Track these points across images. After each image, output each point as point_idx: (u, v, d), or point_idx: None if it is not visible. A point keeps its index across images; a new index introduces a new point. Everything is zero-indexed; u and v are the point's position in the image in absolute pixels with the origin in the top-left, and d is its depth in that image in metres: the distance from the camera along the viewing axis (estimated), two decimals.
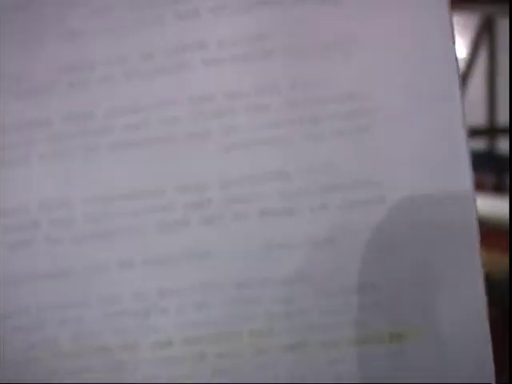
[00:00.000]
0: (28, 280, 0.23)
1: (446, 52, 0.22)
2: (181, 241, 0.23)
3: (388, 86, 0.22)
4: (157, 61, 0.23)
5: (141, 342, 0.23)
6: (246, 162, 0.23)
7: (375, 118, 0.22)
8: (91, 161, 0.23)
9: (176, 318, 0.23)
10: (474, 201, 0.22)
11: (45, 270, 0.23)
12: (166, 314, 0.23)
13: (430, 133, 0.22)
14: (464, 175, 0.22)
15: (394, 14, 0.22)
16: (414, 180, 0.22)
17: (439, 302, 0.22)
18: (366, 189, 0.22)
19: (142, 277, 0.23)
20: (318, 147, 0.22)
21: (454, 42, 0.22)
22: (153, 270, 0.23)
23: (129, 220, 0.23)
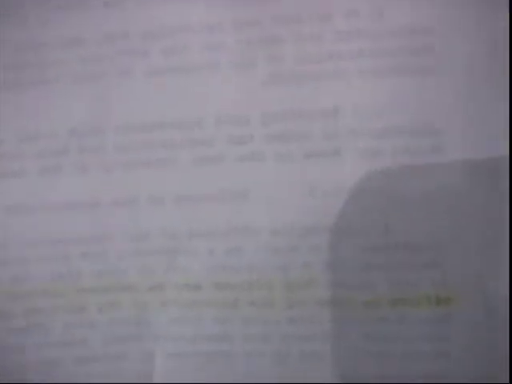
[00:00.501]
0: (54, 208, 0.22)
1: None
2: (217, 178, 0.21)
3: (456, 24, 0.20)
4: None
5: (168, 282, 0.22)
6: (291, 95, 0.21)
7: (440, 57, 0.20)
8: (126, 85, 0.22)
9: (206, 261, 0.21)
10: None
11: (71, 198, 0.22)
12: (196, 256, 0.21)
13: (498, 84, 0.20)
14: None
15: None
16: (473, 133, 0.20)
17: (490, 268, 0.20)
18: (423, 135, 0.20)
19: (173, 214, 0.21)
20: (375, 84, 0.20)
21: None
22: (184, 207, 0.21)
23: (163, 152, 0.21)
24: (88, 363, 0.22)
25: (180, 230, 0.22)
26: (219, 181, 0.21)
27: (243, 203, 0.21)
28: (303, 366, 0.21)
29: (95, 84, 0.22)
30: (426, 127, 0.20)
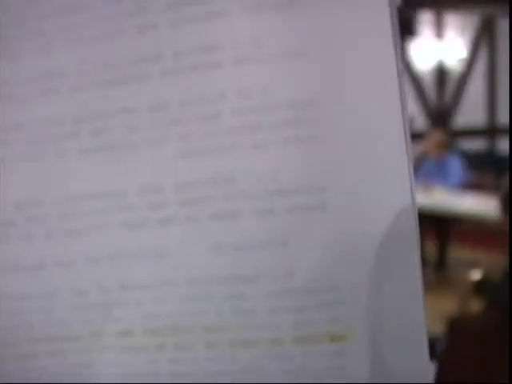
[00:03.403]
0: (8, 271, 0.25)
1: (388, 67, 0.22)
2: (140, 239, 0.23)
3: (333, 96, 0.22)
4: (119, 71, 0.23)
5: (106, 331, 0.24)
6: (197, 167, 0.23)
7: (321, 126, 0.22)
8: (61, 164, 0.24)
9: (136, 310, 0.24)
10: (414, 212, 0.22)
11: (21, 263, 0.24)
12: (128, 307, 0.24)
13: (374, 143, 0.22)
14: (405, 188, 0.22)
15: (342, 29, 0.22)
16: (357, 189, 0.22)
17: (379, 306, 0.22)
18: (309, 194, 0.22)
19: (106, 272, 0.24)
20: (263, 154, 0.23)
21: (398, 61, 0.22)
22: (115, 265, 0.24)
23: (95, 219, 0.24)
24: None
25: (113, 285, 0.24)
26: (142, 241, 0.23)
27: (162, 259, 0.23)
28: None
29: (36, 163, 0.24)
30: (310, 187, 0.23)
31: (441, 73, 5.12)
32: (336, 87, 0.22)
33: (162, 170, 0.23)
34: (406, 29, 4.60)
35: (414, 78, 5.05)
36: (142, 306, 0.24)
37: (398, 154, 0.22)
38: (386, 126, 0.22)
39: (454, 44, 4.90)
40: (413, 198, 0.22)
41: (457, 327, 1.60)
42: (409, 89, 5.05)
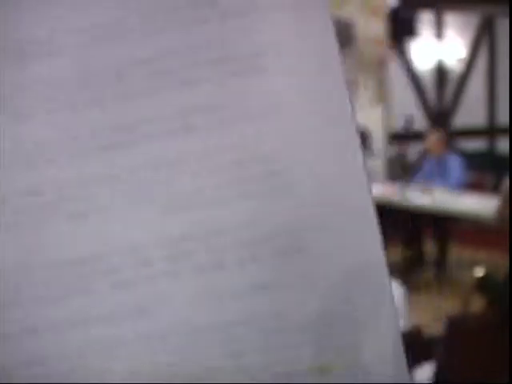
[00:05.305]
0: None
1: (345, 115, 0.24)
2: (129, 299, 0.24)
3: (297, 148, 0.24)
4: (100, 138, 0.24)
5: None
6: (179, 223, 0.24)
7: (291, 175, 0.24)
8: (46, 230, 0.24)
9: (129, 365, 0.24)
10: (382, 250, 0.24)
11: (9, 331, 0.24)
12: (120, 362, 0.24)
13: (340, 184, 0.24)
14: (372, 227, 0.24)
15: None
16: (330, 229, 0.24)
17: (361, 337, 0.24)
18: (287, 239, 0.24)
19: (96, 333, 0.24)
20: (242, 207, 0.24)
21: (352, 110, 0.24)
22: (105, 326, 0.24)
23: (82, 282, 0.24)
24: None
25: (103, 345, 0.24)
26: (130, 300, 0.24)
27: (149, 316, 0.24)
28: None
29: (21, 231, 0.24)
30: (286, 232, 0.24)
31: (441, 73, 5.12)
32: (298, 140, 0.24)
33: (145, 227, 0.24)
34: (406, 29, 4.59)
35: (414, 78, 5.04)
36: (131, 361, 0.24)
37: (363, 196, 0.24)
38: (350, 167, 0.24)
39: (454, 44, 4.90)
40: (379, 238, 0.24)
41: (457, 327, 1.59)
42: (409, 88, 5.04)
